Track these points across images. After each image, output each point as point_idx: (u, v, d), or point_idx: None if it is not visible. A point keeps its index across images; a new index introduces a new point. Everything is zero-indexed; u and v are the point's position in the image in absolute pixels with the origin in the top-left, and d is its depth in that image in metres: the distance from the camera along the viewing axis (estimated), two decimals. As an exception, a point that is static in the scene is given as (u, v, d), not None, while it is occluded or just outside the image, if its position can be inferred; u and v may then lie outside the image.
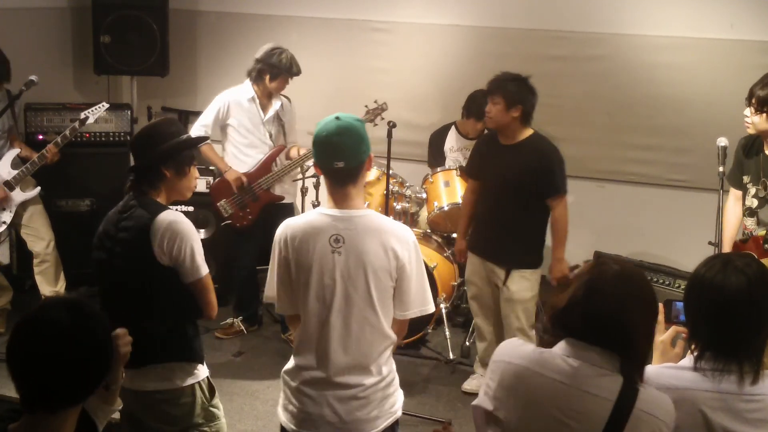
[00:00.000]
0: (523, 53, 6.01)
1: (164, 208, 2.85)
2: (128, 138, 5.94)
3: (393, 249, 2.66)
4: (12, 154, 5.00)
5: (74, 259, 5.40)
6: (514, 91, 4.22)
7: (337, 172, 2.67)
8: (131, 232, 2.81)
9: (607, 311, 1.96)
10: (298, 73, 5.10)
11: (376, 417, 2.77)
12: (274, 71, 5.03)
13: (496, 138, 4.40)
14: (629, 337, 1.97)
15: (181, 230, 2.79)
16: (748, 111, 3.76)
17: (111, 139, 5.89)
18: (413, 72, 6.36)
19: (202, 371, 2.95)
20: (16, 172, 4.93)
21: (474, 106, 5.61)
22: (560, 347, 2.01)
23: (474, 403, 2.11)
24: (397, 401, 2.87)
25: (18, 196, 4.98)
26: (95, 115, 5.10)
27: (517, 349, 2.07)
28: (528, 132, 4.32)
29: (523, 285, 4.36)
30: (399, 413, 2.87)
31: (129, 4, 6.11)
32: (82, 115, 5.06)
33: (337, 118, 2.67)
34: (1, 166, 4.93)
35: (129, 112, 5.98)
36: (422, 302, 2.77)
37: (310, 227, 2.70)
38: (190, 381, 2.88)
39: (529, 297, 4.39)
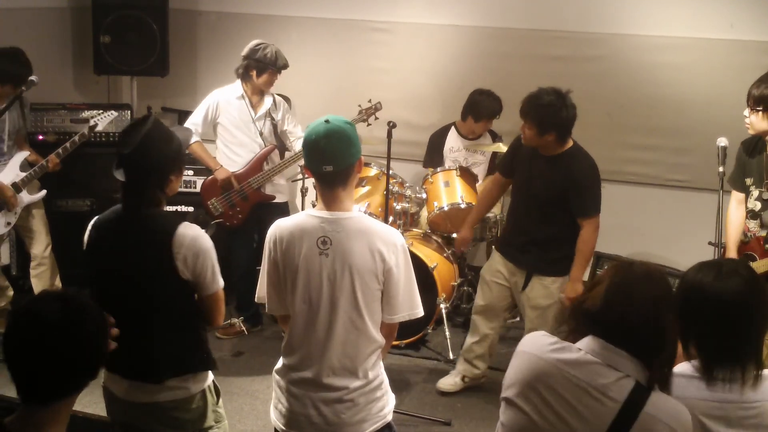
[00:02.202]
0: (523, 53, 6.01)
1: (179, 220, 2.80)
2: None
3: (379, 251, 2.66)
4: (21, 156, 5.02)
5: (74, 260, 5.36)
6: (545, 119, 4.04)
7: (326, 175, 2.67)
8: (150, 246, 2.76)
9: (644, 316, 1.97)
10: (284, 66, 5.09)
11: (363, 420, 2.75)
12: (260, 66, 5.04)
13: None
14: (663, 341, 1.99)
15: (203, 246, 2.77)
16: (747, 111, 3.77)
17: (111, 139, 5.87)
18: (413, 72, 6.36)
19: (210, 375, 2.95)
20: (24, 174, 4.95)
21: (473, 107, 5.61)
22: (584, 343, 2.03)
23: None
24: (386, 406, 2.84)
25: (24, 198, 5.00)
26: (104, 122, 5.12)
27: (537, 342, 2.09)
28: (567, 145, 4.18)
29: (540, 292, 4.31)
30: (389, 418, 2.84)
31: (129, 4, 6.11)
32: (92, 122, 5.07)
33: (327, 121, 2.66)
34: (9, 169, 4.95)
35: (129, 113, 5.97)
36: (410, 306, 2.76)
37: (298, 229, 2.71)
38: (201, 386, 2.89)
39: (546, 305, 4.31)
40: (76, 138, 5.00)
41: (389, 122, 4.78)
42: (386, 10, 6.35)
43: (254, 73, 5.06)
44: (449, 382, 4.71)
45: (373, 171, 5.52)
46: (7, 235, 5.23)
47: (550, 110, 4.04)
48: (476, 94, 5.62)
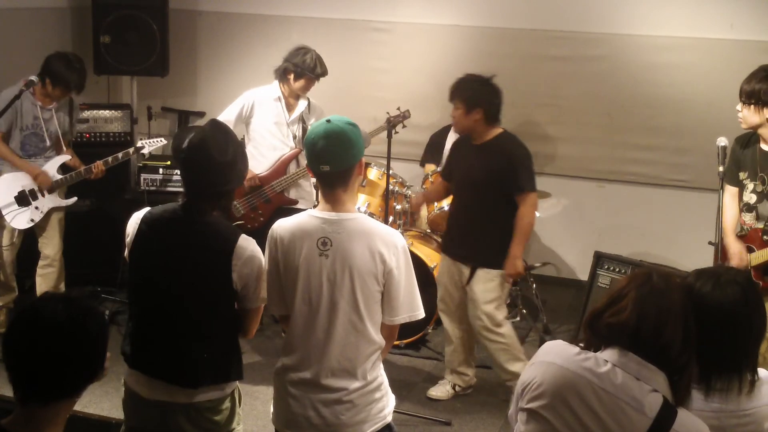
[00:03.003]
0: (523, 53, 6.02)
1: (239, 231, 2.78)
2: (128, 138, 5.96)
3: (380, 253, 2.65)
4: (61, 159, 5.05)
5: (73, 260, 5.39)
6: (471, 94, 4.20)
7: (324, 175, 2.67)
8: (210, 253, 2.72)
9: (677, 327, 1.95)
10: (323, 73, 5.06)
11: (362, 421, 2.75)
12: (298, 71, 5.01)
13: (468, 138, 4.39)
14: (691, 353, 1.97)
15: (258, 261, 2.76)
16: (739, 106, 3.80)
17: (111, 139, 5.90)
18: (413, 72, 6.36)
19: None
20: (59, 177, 4.99)
21: None
22: (611, 356, 1.98)
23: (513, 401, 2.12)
24: (386, 407, 2.83)
25: (55, 199, 5.02)
26: (152, 147, 5.16)
27: (562, 351, 2.05)
28: (495, 131, 4.28)
29: (487, 285, 4.30)
30: (389, 419, 2.83)
31: (129, 4, 6.11)
32: (139, 144, 5.11)
33: (328, 120, 2.66)
34: (48, 167, 4.99)
35: (129, 112, 5.97)
36: (411, 308, 2.75)
37: (299, 229, 2.70)
38: (233, 387, 2.88)
39: (492, 297, 4.32)
40: (120, 155, 5.04)
41: (389, 122, 4.78)
42: (386, 10, 6.35)
43: (292, 76, 5.02)
44: (440, 390, 4.69)
45: (373, 171, 5.52)
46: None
47: (474, 85, 4.24)
48: None
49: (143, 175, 5.73)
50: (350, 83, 6.40)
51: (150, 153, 5.24)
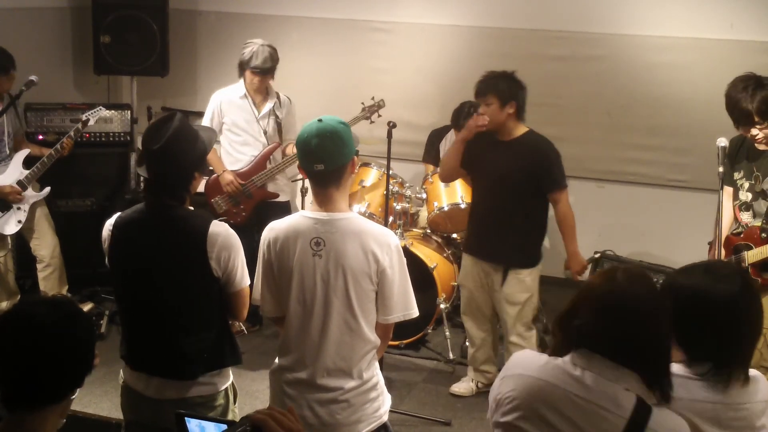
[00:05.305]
0: (523, 53, 6.01)
1: (209, 218, 2.81)
2: (128, 138, 5.95)
3: (373, 252, 2.66)
4: (22, 154, 5.04)
5: (74, 260, 5.39)
6: (505, 88, 4.20)
7: (318, 174, 2.68)
8: (184, 246, 2.76)
9: (645, 326, 1.92)
10: (258, 67, 4.93)
11: (358, 421, 2.76)
12: (240, 66, 5.03)
13: (491, 134, 4.30)
14: (664, 350, 1.95)
15: (234, 243, 2.79)
16: (755, 130, 3.66)
17: (111, 139, 5.89)
18: (413, 72, 6.36)
19: (231, 374, 2.96)
20: (27, 171, 4.96)
21: (461, 118, 5.50)
22: (576, 359, 1.96)
23: (489, 416, 2.10)
24: (382, 406, 2.84)
25: (30, 195, 5.01)
26: (95, 117, 5.12)
27: (530, 362, 2.03)
28: (523, 129, 4.29)
29: (518, 287, 4.31)
30: (384, 418, 2.85)
31: (129, 4, 6.11)
32: (84, 117, 5.07)
33: (320, 120, 2.67)
34: (13, 167, 4.97)
35: (129, 112, 5.98)
36: (405, 307, 2.76)
37: (292, 230, 2.71)
38: (225, 383, 2.90)
39: (524, 299, 4.34)
40: (72, 133, 5.01)
41: (389, 122, 4.78)
42: (386, 10, 6.35)
43: (241, 73, 5.05)
44: (463, 387, 4.69)
45: (373, 171, 5.51)
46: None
47: (506, 80, 4.23)
48: (466, 104, 5.46)
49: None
50: (350, 83, 6.39)
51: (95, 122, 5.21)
